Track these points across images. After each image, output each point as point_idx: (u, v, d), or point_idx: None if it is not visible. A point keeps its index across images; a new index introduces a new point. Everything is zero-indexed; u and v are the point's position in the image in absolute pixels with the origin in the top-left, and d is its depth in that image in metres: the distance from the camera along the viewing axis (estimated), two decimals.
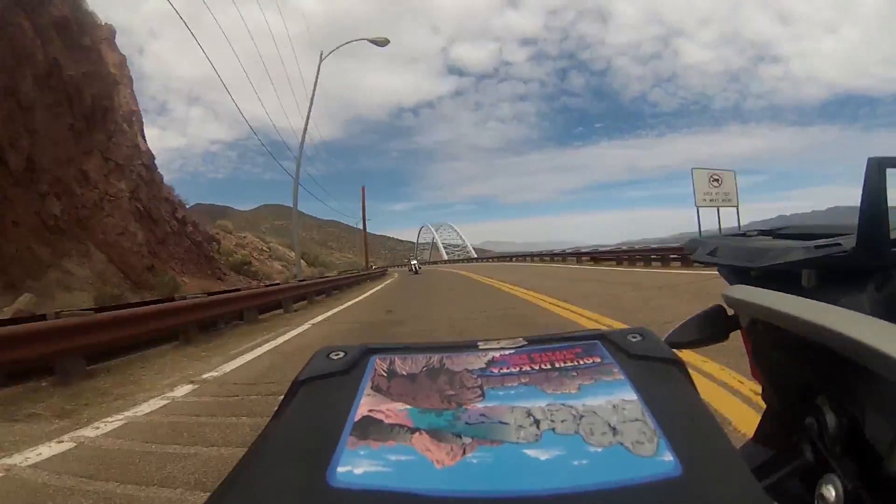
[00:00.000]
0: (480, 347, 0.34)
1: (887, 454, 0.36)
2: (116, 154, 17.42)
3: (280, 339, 6.21)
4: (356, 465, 0.22)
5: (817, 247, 0.47)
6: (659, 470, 0.22)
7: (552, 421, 0.25)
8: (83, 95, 15.65)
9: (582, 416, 0.25)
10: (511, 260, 46.51)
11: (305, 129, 18.66)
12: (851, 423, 0.40)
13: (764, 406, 0.58)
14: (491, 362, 0.32)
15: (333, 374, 0.31)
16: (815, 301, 0.40)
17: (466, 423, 0.25)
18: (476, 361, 0.32)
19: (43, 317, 5.37)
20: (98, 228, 15.04)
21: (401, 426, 0.25)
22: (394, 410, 0.26)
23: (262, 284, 15.54)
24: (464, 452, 0.23)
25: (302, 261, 21.67)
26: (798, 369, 0.48)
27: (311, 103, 18.75)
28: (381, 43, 19.51)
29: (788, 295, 0.43)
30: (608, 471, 0.22)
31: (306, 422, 0.26)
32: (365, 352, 0.33)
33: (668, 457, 0.22)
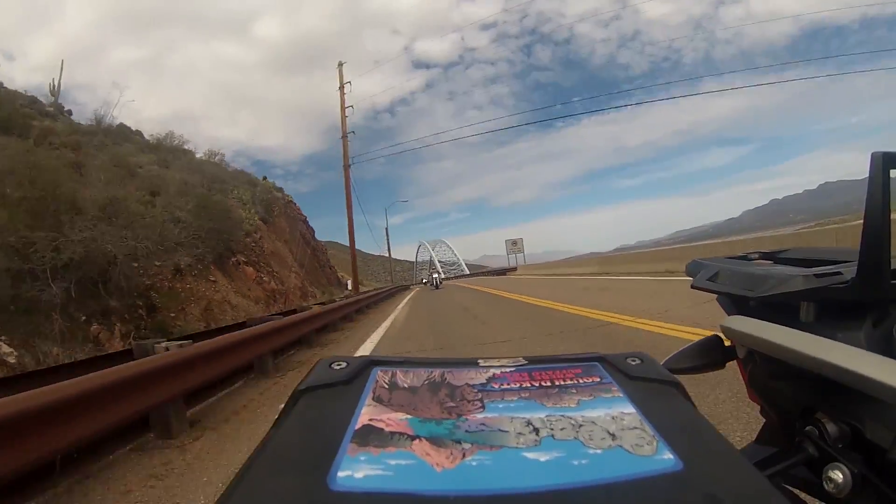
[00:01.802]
0: (481, 364, 0.34)
1: (890, 448, 0.36)
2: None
3: (389, 320, 9.58)
4: (356, 470, 0.22)
5: (817, 275, 0.46)
6: (660, 466, 0.22)
7: (551, 429, 0.25)
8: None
9: (581, 425, 0.26)
10: (505, 274, 44.59)
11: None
12: (853, 429, 0.40)
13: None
14: (491, 378, 0.32)
15: (335, 384, 0.31)
16: (812, 335, 0.41)
17: (466, 431, 0.25)
18: (477, 377, 0.32)
19: (244, 324, 6.80)
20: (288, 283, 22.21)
21: (401, 434, 0.25)
22: (394, 420, 0.26)
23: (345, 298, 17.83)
24: (463, 456, 0.23)
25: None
26: (795, 394, 0.47)
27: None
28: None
29: (786, 328, 0.44)
30: (608, 468, 0.22)
31: (307, 429, 0.27)
32: (367, 363, 0.34)
33: (668, 455, 0.23)
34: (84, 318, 8.13)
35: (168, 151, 18.84)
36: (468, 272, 68.45)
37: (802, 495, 0.46)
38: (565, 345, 4.59)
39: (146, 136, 19.93)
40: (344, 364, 0.33)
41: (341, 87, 21.57)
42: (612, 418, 0.26)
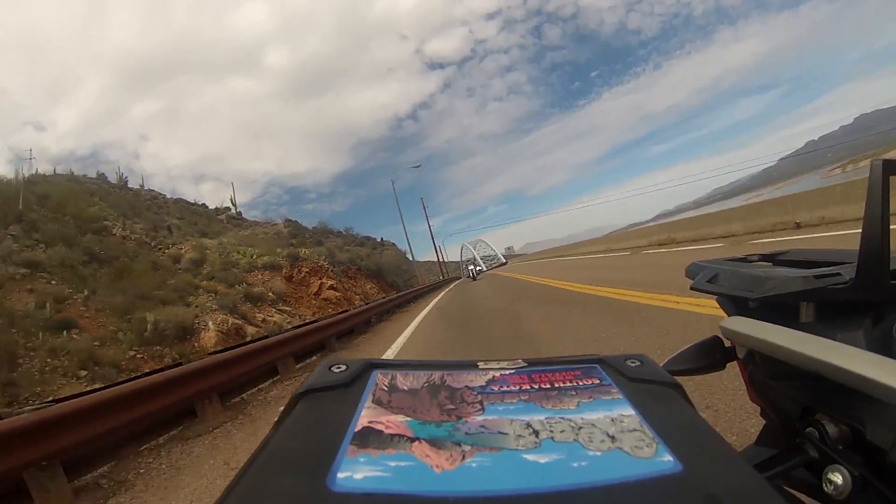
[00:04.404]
0: (480, 367, 0.35)
1: (891, 449, 0.37)
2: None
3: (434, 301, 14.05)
4: (356, 472, 0.22)
5: (817, 276, 0.47)
6: (659, 468, 0.22)
7: (551, 431, 0.25)
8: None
9: (581, 428, 0.26)
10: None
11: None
12: (853, 430, 0.41)
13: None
14: (491, 381, 0.32)
15: (335, 387, 0.31)
16: (812, 335, 0.41)
17: (466, 433, 0.26)
18: (476, 379, 0.32)
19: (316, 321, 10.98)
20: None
21: (401, 436, 0.25)
22: (394, 422, 0.27)
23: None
24: (463, 458, 0.23)
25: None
26: (795, 395, 0.48)
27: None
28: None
29: (786, 329, 0.44)
30: (608, 470, 0.22)
31: (307, 431, 0.26)
32: (367, 366, 0.34)
33: (668, 457, 0.23)
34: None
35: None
36: (505, 261, 75.56)
37: (802, 497, 0.46)
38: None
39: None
40: (343, 367, 0.34)
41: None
42: (612, 420, 0.26)
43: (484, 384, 0.32)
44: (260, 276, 17.60)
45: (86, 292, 10.65)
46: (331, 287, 20.17)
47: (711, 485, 0.21)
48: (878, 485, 0.38)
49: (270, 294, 16.30)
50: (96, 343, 8.67)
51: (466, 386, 0.31)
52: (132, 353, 8.91)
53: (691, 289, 0.65)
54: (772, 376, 0.51)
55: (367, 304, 12.70)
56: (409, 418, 0.27)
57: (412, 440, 0.25)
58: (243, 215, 38.52)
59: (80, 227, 14.83)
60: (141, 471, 3.20)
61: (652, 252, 12.54)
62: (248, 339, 9.00)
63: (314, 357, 6.83)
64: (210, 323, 11.19)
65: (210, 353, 5.58)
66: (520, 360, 0.36)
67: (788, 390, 0.49)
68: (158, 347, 9.37)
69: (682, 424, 0.27)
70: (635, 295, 5.47)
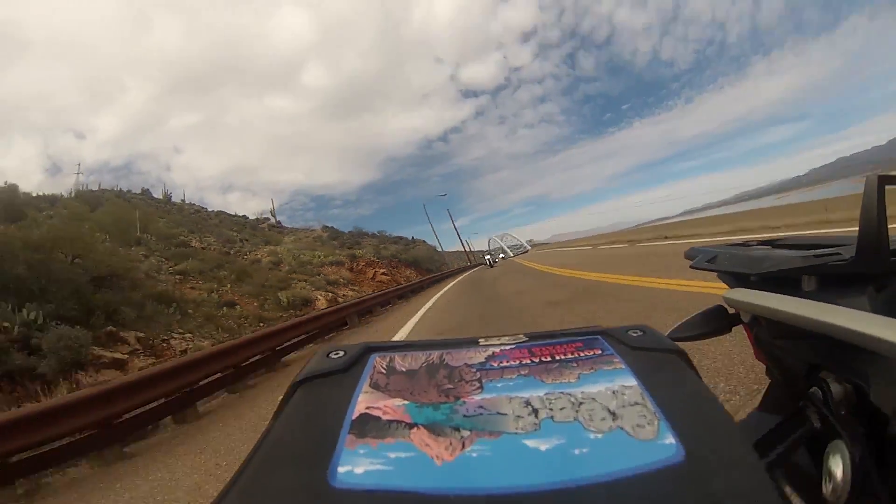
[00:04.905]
0: (481, 343, 0.34)
1: (894, 415, 0.36)
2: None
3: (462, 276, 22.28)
4: (356, 465, 0.22)
5: (817, 255, 0.47)
6: (660, 456, 0.22)
7: (550, 409, 0.25)
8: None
9: (581, 403, 0.25)
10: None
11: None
12: (857, 390, 0.41)
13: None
14: (491, 357, 0.32)
15: (332, 373, 0.31)
16: (816, 302, 0.42)
17: (464, 415, 0.25)
18: (476, 356, 0.32)
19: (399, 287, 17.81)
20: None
21: (399, 422, 0.25)
22: (391, 406, 0.26)
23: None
24: (463, 446, 0.23)
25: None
26: (801, 353, 0.48)
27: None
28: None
29: (791, 297, 0.45)
30: (609, 459, 0.22)
31: (305, 422, 0.26)
32: (365, 350, 0.33)
33: (670, 439, 0.22)
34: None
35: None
36: (528, 248, 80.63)
37: (802, 499, 0.46)
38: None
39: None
40: (342, 353, 0.33)
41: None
42: (613, 393, 0.26)
43: (483, 360, 0.31)
44: (330, 270, 23.92)
45: (228, 286, 16.46)
46: (383, 273, 26.86)
47: (713, 481, 0.21)
48: (877, 486, 0.37)
49: (342, 280, 22.48)
50: (259, 312, 14.53)
51: (465, 363, 0.31)
52: (280, 314, 14.78)
53: (691, 268, 0.66)
54: (777, 336, 0.51)
55: (420, 279, 19.06)
56: (406, 401, 0.27)
57: (410, 427, 0.25)
58: (282, 223, 45.26)
59: (166, 242, 20.59)
60: (334, 337, 8.54)
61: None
62: (341, 303, 14.59)
63: (388, 306, 12.31)
64: (319, 296, 17.39)
65: (332, 306, 11.28)
66: (521, 335, 0.35)
67: (794, 349, 0.49)
68: (293, 311, 15.16)
69: (685, 395, 0.26)
70: (597, 276, 7.54)
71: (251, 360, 5.60)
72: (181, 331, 10.93)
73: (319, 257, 25.79)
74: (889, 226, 0.42)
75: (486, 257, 35.42)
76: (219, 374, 4.96)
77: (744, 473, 0.21)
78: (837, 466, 0.39)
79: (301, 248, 28.17)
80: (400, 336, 6.15)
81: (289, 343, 6.70)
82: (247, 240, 30.47)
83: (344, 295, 19.38)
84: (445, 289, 14.92)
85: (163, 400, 4.22)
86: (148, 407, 4.05)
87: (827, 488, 0.39)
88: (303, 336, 7.21)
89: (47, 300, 7.99)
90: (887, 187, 0.42)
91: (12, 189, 19.96)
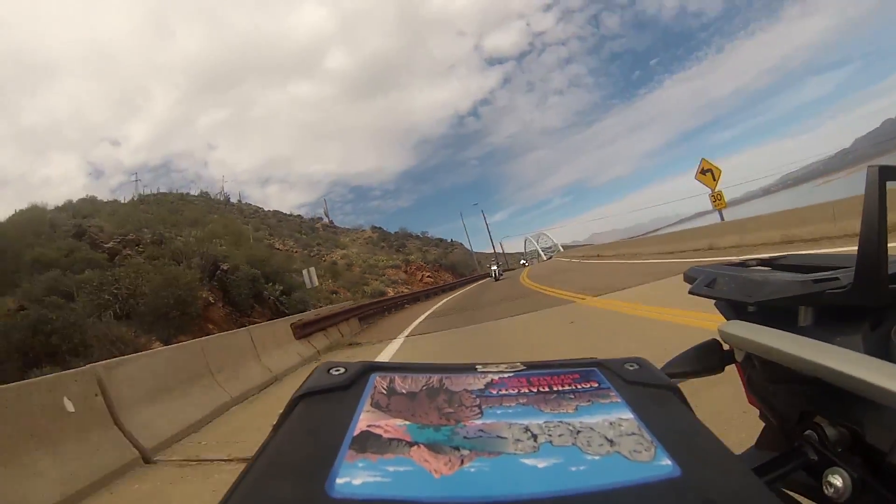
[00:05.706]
0: (479, 370, 0.34)
1: (890, 451, 0.37)
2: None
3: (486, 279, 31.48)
4: (355, 477, 0.22)
5: (815, 281, 0.47)
6: (658, 472, 0.22)
7: (549, 435, 0.25)
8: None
9: (579, 432, 0.26)
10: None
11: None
12: (852, 432, 0.41)
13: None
14: (490, 384, 0.32)
15: (333, 390, 0.31)
16: (811, 339, 0.41)
17: (465, 437, 0.25)
18: (475, 383, 0.32)
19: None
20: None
21: (399, 440, 0.25)
22: (393, 426, 0.27)
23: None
24: (462, 463, 0.23)
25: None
26: (794, 398, 0.48)
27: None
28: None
29: (785, 332, 0.44)
30: (607, 474, 0.22)
31: (305, 435, 0.26)
32: (366, 369, 0.34)
33: (667, 461, 0.23)
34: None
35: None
36: (562, 250, 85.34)
37: (802, 499, 0.46)
38: None
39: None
40: (342, 369, 0.33)
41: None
42: (610, 424, 0.26)
43: (482, 387, 0.31)
44: (391, 272, 32.98)
45: (330, 282, 24.91)
46: (427, 276, 35.74)
47: (710, 490, 0.21)
48: (877, 487, 0.37)
49: (399, 280, 31.50)
50: (353, 298, 23.08)
51: (465, 389, 0.31)
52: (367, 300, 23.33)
53: (689, 293, 0.65)
54: (770, 379, 0.51)
55: (454, 280, 27.85)
56: (407, 422, 0.27)
57: (411, 444, 0.25)
58: (334, 223, 53.25)
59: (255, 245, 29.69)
60: (377, 321, 14.64)
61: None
62: (404, 293, 22.78)
63: (418, 301, 20.72)
64: (390, 290, 26.39)
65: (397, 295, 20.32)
66: (518, 364, 0.35)
67: (787, 394, 0.49)
68: (373, 299, 23.68)
69: (681, 428, 0.27)
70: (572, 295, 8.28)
71: (372, 310, 14.47)
72: (318, 305, 19.31)
73: (382, 261, 34.96)
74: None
75: (493, 268, 30.90)
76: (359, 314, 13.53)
77: (742, 486, 0.22)
78: (837, 482, 0.39)
79: (365, 252, 37.51)
80: (438, 305, 14.60)
81: (383, 308, 15.46)
82: (320, 244, 39.17)
83: (400, 291, 27.80)
84: (470, 287, 22.74)
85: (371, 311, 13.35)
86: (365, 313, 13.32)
87: (828, 490, 0.40)
88: (390, 306, 15.99)
89: (275, 283, 16.41)
90: (889, 186, 0.40)
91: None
